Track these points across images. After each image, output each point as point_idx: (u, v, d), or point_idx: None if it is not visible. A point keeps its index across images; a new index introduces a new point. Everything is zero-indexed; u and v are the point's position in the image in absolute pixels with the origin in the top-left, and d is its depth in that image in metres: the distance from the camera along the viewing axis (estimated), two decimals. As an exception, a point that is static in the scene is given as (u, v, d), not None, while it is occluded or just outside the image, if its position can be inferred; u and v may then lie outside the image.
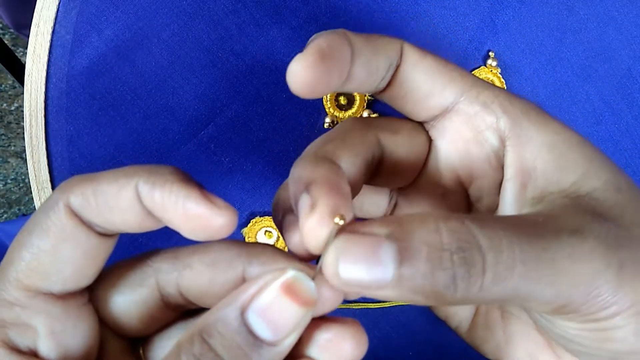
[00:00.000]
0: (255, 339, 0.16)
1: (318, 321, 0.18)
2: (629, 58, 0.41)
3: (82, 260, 0.18)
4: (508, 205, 0.19)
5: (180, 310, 0.20)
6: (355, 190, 0.20)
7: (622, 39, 0.41)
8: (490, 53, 0.41)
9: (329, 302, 0.17)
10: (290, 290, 0.16)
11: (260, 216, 0.42)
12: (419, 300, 0.15)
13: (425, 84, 0.20)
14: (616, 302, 0.16)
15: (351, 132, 0.20)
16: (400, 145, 0.21)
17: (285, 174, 0.42)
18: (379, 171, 0.21)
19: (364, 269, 0.15)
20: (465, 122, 0.20)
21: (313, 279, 0.16)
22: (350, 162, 0.19)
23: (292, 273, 0.16)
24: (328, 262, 0.15)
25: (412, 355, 0.43)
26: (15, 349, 0.17)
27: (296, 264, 0.17)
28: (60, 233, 0.17)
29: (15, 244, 0.18)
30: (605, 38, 0.41)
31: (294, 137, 0.41)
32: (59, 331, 0.18)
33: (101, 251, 0.18)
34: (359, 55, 0.19)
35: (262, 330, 0.16)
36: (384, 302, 0.43)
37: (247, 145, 0.42)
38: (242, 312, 0.16)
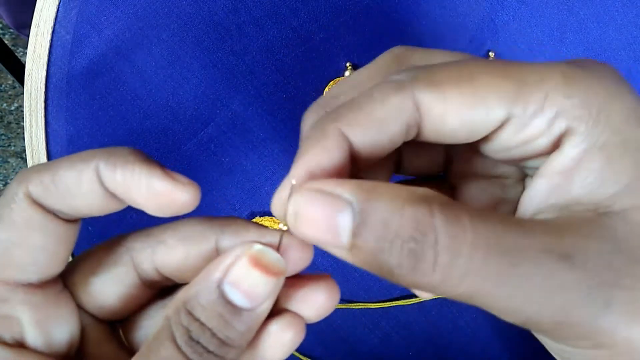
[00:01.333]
0: (233, 307, 0.17)
1: (294, 279, 0.19)
2: (629, 58, 0.41)
3: (53, 247, 0.18)
4: (526, 204, 0.18)
5: (157, 288, 0.21)
6: (376, 166, 0.19)
7: (622, 39, 0.41)
8: (490, 53, 0.41)
9: (300, 262, 0.18)
10: (258, 263, 0.17)
11: (260, 216, 0.42)
12: (374, 272, 0.15)
13: (465, 126, 0.17)
14: (595, 338, 0.15)
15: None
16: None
17: (285, 174, 0.42)
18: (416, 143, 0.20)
19: (321, 232, 0.15)
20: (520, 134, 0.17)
21: (279, 246, 0.18)
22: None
23: (257, 247, 0.17)
24: (289, 220, 0.16)
25: (412, 355, 0.43)
26: (1, 342, 0.17)
27: (266, 233, 0.18)
28: (27, 224, 0.17)
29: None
30: (605, 38, 0.41)
31: (293, 137, 0.41)
32: (42, 319, 0.18)
33: (69, 236, 0.18)
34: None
35: (239, 299, 0.17)
36: (384, 302, 0.43)
37: (247, 145, 0.42)
38: (219, 285, 0.17)
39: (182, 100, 0.41)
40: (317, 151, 0.16)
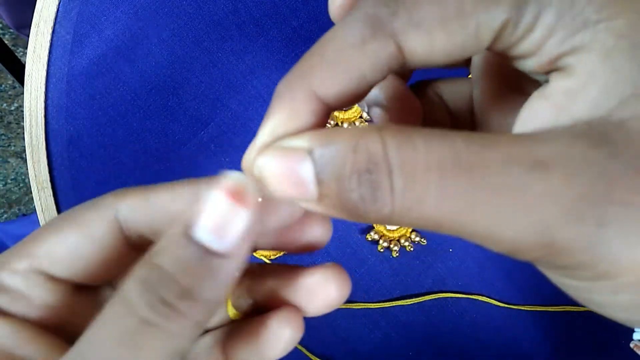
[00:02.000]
0: (201, 249, 0.15)
1: (301, 269, 0.18)
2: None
3: (99, 263, 0.18)
4: (520, 128, 0.16)
5: (140, 250, 0.20)
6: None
7: None
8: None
9: (283, 210, 0.17)
10: (230, 191, 0.15)
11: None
12: (343, 217, 0.15)
13: (453, 57, 0.15)
14: (593, 265, 0.13)
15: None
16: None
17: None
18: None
19: (289, 188, 0.15)
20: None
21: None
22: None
23: (228, 177, 0.16)
24: (258, 182, 0.15)
25: (412, 355, 0.43)
26: (2, 312, 0.18)
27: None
28: (93, 233, 0.18)
29: (48, 222, 0.18)
30: None
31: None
32: (56, 307, 0.18)
33: (126, 262, 0.19)
34: None
35: (206, 236, 0.15)
36: (384, 302, 0.43)
37: (247, 145, 0.41)
38: (187, 229, 0.15)
39: (182, 100, 0.41)
40: (285, 116, 0.16)
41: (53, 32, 0.40)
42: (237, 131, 0.41)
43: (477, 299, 0.43)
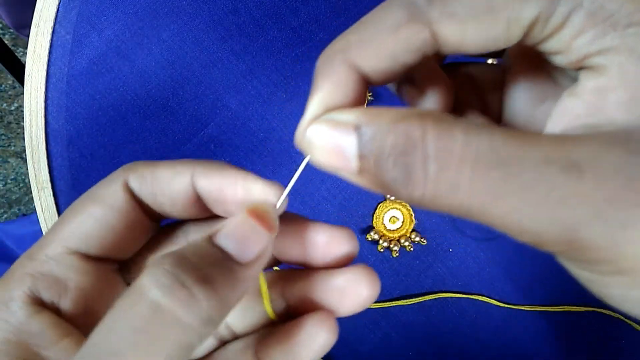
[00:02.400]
0: (224, 254, 0.16)
1: (332, 271, 0.19)
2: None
3: (124, 232, 0.19)
4: (553, 125, 0.17)
5: (155, 219, 0.21)
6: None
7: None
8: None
9: (344, 251, 0.19)
10: (254, 212, 0.17)
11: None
12: (379, 192, 0.16)
13: (486, 47, 0.16)
14: (614, 261, 0.14)
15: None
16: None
17: (285, 174, 0.42)
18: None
19: (333, 158, 0.16)
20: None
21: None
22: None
23: (257, 202, 0.18)
24: (306, 152, 0.17)
25: (412, 355, 0.43)
26: (39, 302, 0.18)
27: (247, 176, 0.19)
28: (112, 203, 0.19)
29: (68, 208, 0.19)
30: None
31: (293, 137, 0.41)
32: (86, 288, 0.19)
33: (143, 230, 0.20)
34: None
35: (228, 243, 0.16)
36: (384, 302, 0.43)
37: (247, 145, 0.41)
38: (211, 238, 0.16)
39: (182, 100, 0.41)
40: (328, 87, 0.17)
41: (53, 32, 0.40)
42: (237, 131, 0.41)
43: (477, 299, 0.43)
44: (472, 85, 0.22)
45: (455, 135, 0.14)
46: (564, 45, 0.16)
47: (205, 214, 0.20)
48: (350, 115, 0.15)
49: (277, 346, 0.19)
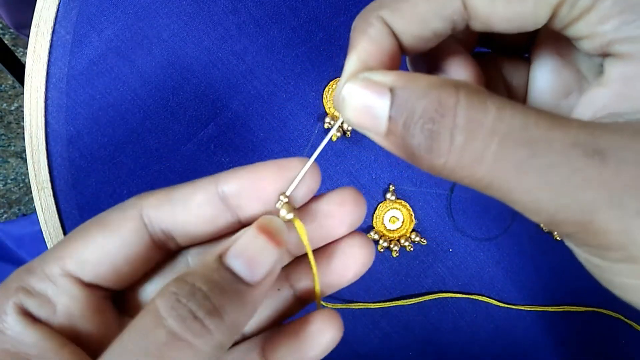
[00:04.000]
0: (232, 276, 0.16)
1: (330, 245, 0.20)
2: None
3: (127, 263, 0.19)
4: (581, 112, 0.17)
5: (163, 251, 0.21)
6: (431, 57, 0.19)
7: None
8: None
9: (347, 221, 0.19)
10: (264, 229, 0.17)
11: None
12: (404, 157, 0.16)
13: (514, 20, 0.16)
14: (625, 248, 0.14)
15: None
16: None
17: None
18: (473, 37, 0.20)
19: (364, 117, 0.16)
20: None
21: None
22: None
23: (265, 217, 0.18)
24: (338, 107, 0.17)
25: (412, 355, 0.43)
26: (30, 316, 0.18)
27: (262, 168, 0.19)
28: (121, 233, 0.18)
29: (80, 227, 0.19)
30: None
31: (294, 137, 0.41)
32: (74, 314, 0.18)
33: (147, 263, 0.19)
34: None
35: (239, 266, 0.16)
36: (384, 302, 0.43)
37: (247, 145, 0.41)
38: (221, 257, 0.17)
39: (182, 100, 0.41)
40: (364, 45, 0.17)
41: (53, 32, 0.40)
42: (237, 131, 0.41)
43: (477, 299, 0.43)
44: (499, 77, 0.22)
45: (489, 108, 0.14)
46: (590, 30, 0.16)
47: (231, 227, 0.19)
48: (386, 77, 0.15)
49: (284, 345, 0.19)
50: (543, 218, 0.15)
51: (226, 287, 0.16)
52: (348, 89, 0.16)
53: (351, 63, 0.17)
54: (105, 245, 0.18)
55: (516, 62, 0.21)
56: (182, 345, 0.15)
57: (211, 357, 0.15)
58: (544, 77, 0.20)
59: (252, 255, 0.16)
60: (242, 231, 0.17)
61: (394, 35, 0.17)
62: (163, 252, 0.20)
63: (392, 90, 0.15)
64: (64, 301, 0.18)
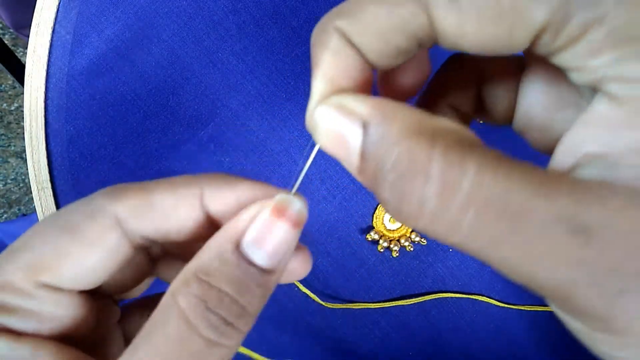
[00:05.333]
0: (254, 269, 0.16)
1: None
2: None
3: (102, 269, 0.18)
4: (562, 153, 0.15)
5: (149, 256, 0.20)
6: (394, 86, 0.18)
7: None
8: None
9: (299, 270, 0.18)
10: (284, 213, 0.16)
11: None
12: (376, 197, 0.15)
13: (487, 44, 0.14)
14: (605, 322, 0.13)
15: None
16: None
17: (285, 174, 0.42)
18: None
19: (336, 147, 0.15)
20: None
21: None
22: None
23: (281, 196, 0.16)
24: (311, 131, 0.16)
25: (412, 355, 0.43)
26: (16, 333, 0.17)
27: (261, 186, 0.18)
28: (99, 242, 0.17)
29: (31, 230, 0.17)
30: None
31: (294, 137, 0.41)
32: (65, 316, 0.18)
33: (126, 264, 0.18)
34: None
35: (261, 258, 0.16)
36: (384, 302, 0.43)
37: (247, 145, 0.41)
38: (238, 246, 0.16)
39: (182, 100, 0.41)
40: (328, 60, 0.15)
41: (53, 32, 0.40)
42: (237, 131, 0.41)
43: (477, 299, 0.43)
44: (475, 77, 0.20)
45: (467, 169, 0.12)
46: (578, 62, 0.14)
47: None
48: (362, 107, 0.14)
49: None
50: (522, 282, 0.14)
51: (251, 284, 0.16)
52: (320, 113, 0.15)
53: (318, 83, 0.16)
54: (84, 261, 0.17)
55: (502, 63, 0.20)
56: (217, 349, 0.15)
57: (237, 347, 0.16)
58: (536, 88, 0.18)
59: (273, 244, 0.16)
60: (253, 209, 0.16)
61: (357, 49, 0.15)
62: (146, 250, 0.19)
63: (366, 125, 0.14)
64: (49, 309, 0.17)
